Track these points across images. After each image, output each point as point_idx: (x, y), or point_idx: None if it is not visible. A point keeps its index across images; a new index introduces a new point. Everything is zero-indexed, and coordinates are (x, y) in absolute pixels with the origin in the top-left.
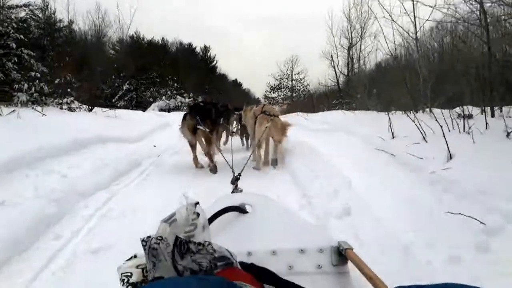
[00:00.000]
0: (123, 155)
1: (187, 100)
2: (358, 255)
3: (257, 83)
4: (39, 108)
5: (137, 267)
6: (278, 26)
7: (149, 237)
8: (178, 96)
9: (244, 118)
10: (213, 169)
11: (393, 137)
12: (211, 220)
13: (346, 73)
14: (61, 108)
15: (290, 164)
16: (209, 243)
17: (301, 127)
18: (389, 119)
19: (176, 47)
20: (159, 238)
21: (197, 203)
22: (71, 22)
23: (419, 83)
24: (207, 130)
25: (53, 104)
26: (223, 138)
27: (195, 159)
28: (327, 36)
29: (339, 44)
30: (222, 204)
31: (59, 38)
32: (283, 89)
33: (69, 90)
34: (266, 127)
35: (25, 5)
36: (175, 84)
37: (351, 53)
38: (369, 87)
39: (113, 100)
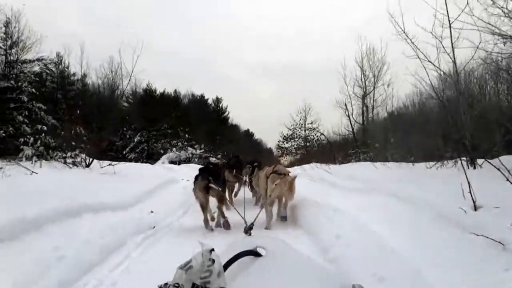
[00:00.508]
0: (99, 233)
1: (198, 151)
2: None
3: (269, 133)
4: (30, 164)
5: None
6: (290, 76)
7: (166, 284)
8: (189, 148)
9: (254, 177)
10: (226, 224)
11: (475, 208)
12: (226, 266)
13: (360, 121)
14: (65, 163)
15: (334, 253)
16: None
17: (326, 183)
18: (467, 179)
19: (188, 98)
20: (175, 285)
21: (212, 249)
22: (84, 76)
23: (460, 129)
24: (220, 188)
25: (57, 159)
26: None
27: (206, 220)
28: (340, 86)
29: (353, 93)
30: (236, 248)
31: (72, 91)
32: (296, 139)
33: (73, 143)
34: (276, 184)
35: (38, 60)
36: (186, 136)
37: (365, 101)
38: (387, 135)
39: (124, 152)
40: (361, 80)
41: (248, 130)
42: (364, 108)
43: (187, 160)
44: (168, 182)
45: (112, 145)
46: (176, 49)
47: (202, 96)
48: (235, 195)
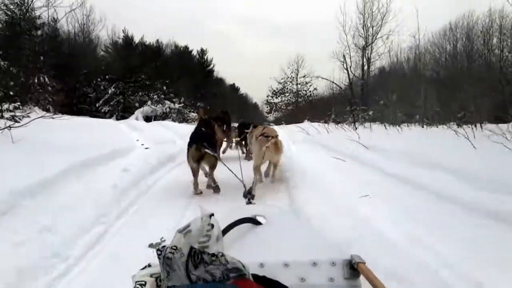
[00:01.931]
0: None
1: (176, 105)
2: (370, 269)
3: (256, 88)
4: None
5: (151, 276)
6: (283, 33)
7: (163, 246)
8: (166, 101)
9: (249, 140)
10: (216, 189)
11: None
12: (225, 231)
13: (359, 75)
14: (2, 117)
15: None
16: (222, 254)
17: (378, 171)
18: None
19: (171, 49)
20: (173, 248)
21: (212, 214)
22: (54, 20)
23: None
24: (216, 154)
25: None
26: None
27: (196, 184)
28: (339, 34)
29: (353, 43)
30: (236, 215)
31: (38, 36)
32: (287, 94)
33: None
34: (267, 146)
35: None
36: (164, 88)
37: (365, 53)
38: (389, 91)
39: (97, 105)
40: (363, 28)
41: (233, 84)
42: (365, 61)
43: (164, 116)
44: (108, 156)
45: (86, 97)
46: None
47: (186, 47)
48: (223, 151)
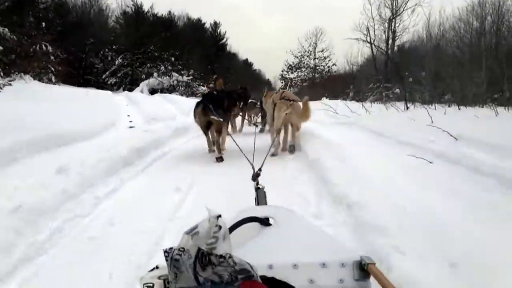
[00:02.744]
0: None
1: (185, 78)
2: (380, 270)
3: (270, 64)
4: None
5: (159, 277)
6: (299, 8)
7: (171, 248)
8: (174, 74)
9: (265, 104)
10: (219, 160)
11: None
12: (232, 229)
13: (383, 50)
14: None
15: None
16: (230, 256)
17: None
18: None
19: (183, 22)
20: (181, 249)
21: (219, 215)
22: None
23: None
24: (221, 119)
25: None
26: (239, 124)
27: (209, 143)
28: (363, 5)
29: (377, 14)
30: (244, 216)
31: (41, 3)
32: (303, 69)
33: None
34: (286, 113)
35: None
36: (172, 59)
37: (392, 26)
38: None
39: (104, 77)
40: None
41: (246, 59)
42: (391, 33)
43: (171, 89)
44: (51, 142)
45: (92, 68)
46: None
47: (199, 20)
48: (240, 130)
